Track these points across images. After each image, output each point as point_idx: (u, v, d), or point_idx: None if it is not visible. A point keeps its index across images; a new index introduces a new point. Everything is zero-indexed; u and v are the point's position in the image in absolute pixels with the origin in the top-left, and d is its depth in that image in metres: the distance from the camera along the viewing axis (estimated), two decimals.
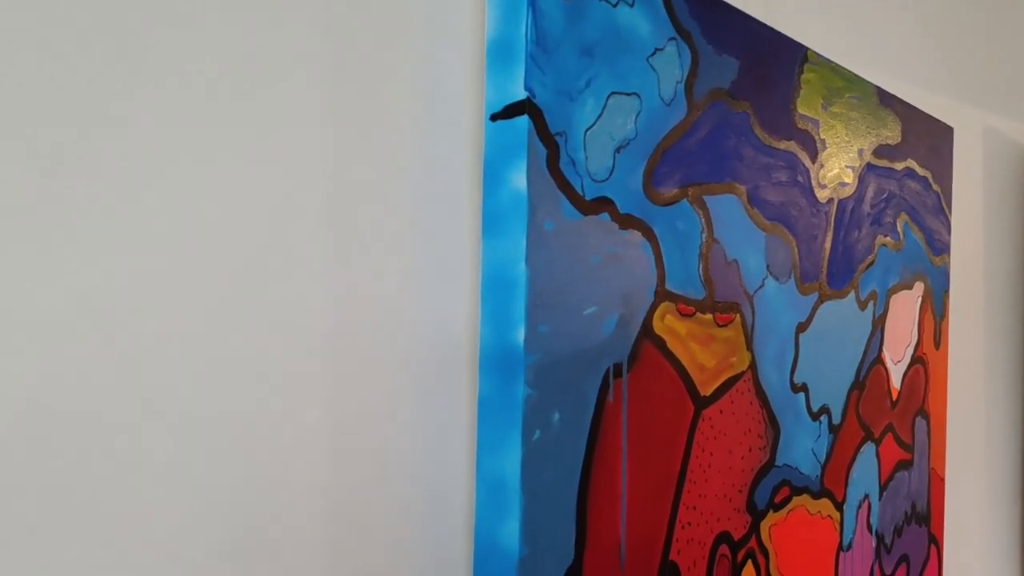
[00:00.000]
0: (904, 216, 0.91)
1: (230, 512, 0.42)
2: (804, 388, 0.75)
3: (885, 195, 0.88)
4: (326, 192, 0.46)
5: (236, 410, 0.43)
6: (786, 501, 0.73)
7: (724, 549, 0.66)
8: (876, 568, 0.87)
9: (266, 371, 0.44)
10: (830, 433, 0.79)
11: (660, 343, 0.60)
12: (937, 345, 0.98)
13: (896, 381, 0.90)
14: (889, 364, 0.89)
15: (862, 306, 0.84)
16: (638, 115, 0.58)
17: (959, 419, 1.11)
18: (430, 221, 0.51)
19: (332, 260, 0.47)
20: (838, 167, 0.80)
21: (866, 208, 0.84)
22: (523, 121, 0.51)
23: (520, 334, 0.51)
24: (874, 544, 0.86)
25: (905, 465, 0.92)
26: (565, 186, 0.53)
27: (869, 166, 0.85)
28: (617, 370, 0.57)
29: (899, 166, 0.90)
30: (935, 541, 0.99)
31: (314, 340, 0.46)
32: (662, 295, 0.60)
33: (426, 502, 0.51)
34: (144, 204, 0.39)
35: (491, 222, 0.52)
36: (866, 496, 0.85)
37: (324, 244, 0.46)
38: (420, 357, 0.51)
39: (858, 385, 0.83)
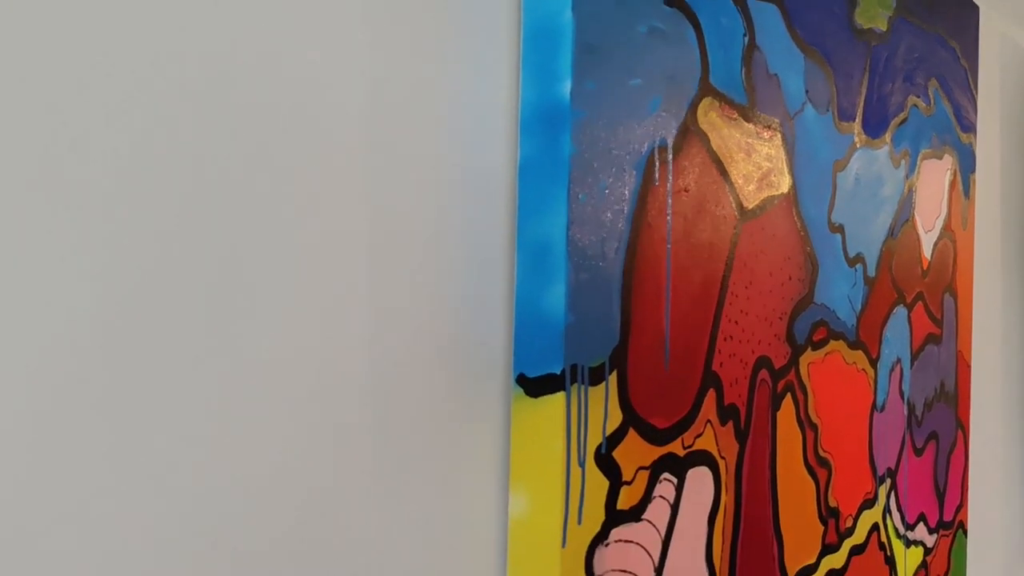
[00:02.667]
0: (935, 82, 0.88)
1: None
2: (841, 230, 0.72)
3: (917, 54, 0.85)
4: None
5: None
6: (824, 342, 0.70)
7: (764, 375, 0.63)
8: (908, 438, 0.84)
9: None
10: (865, 284, 0.76)
11: (704, 139, 0.57)
12: (964, 225, 0.95)
13: (927, 250, 0.87)
14: (920, 231, 0.86)
15: (895, 162, 0.81)
16: None
17: (982, 305, 1.09)
18: None
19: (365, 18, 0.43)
20: (873, 9, 0.76)
21: (899, 63, 0.81)
22: None
23: (567, 87, 0.47)
24: (905, 412, 0.83)
25: (935, 339, 0.89)
26: None
27: (902, 19, 0.82)
28: (662, 154, 0.53)
29: (929, 29, 0.87)
30: (962, 426, 0.96)
31: (350, 103, 0.42)
32: (706, 89, 0.57)
33: (465, 268, 0.48)
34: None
35: None
36: (898, 360, 0.82)
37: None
38: (457, 117, 0.47)
39: (891, 242, 0.80)
